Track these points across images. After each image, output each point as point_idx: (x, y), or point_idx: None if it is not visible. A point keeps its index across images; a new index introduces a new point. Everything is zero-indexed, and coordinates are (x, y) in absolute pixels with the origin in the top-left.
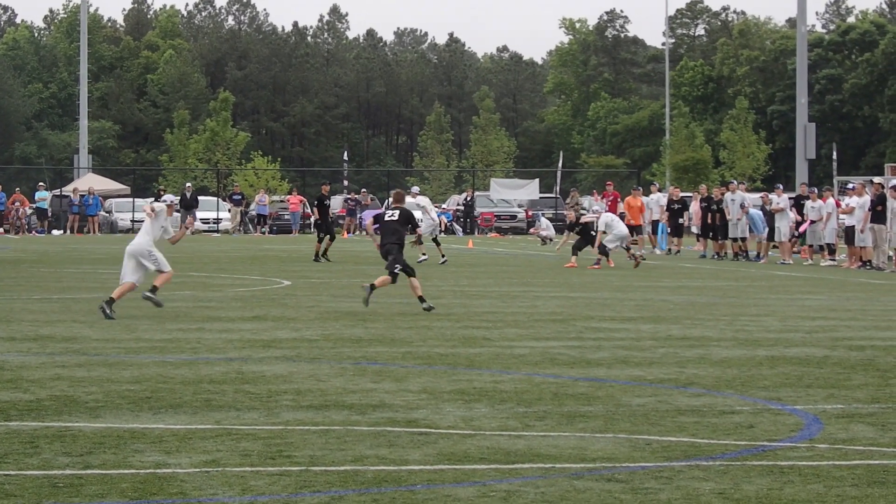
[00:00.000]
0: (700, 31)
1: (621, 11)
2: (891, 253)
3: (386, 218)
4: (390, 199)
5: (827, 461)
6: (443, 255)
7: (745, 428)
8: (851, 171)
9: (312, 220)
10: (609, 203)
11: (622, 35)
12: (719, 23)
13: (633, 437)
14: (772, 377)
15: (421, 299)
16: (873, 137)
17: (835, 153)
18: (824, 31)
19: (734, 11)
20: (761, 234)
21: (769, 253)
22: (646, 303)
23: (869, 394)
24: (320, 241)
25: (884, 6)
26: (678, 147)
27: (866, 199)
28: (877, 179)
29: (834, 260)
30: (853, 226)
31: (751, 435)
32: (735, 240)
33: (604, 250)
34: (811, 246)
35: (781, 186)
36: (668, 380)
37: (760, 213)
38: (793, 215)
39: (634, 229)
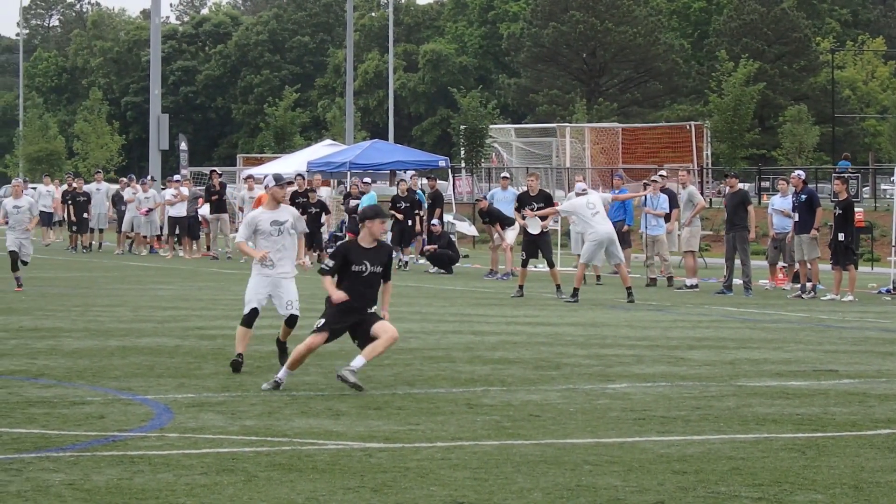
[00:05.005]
0: (55, 21)
1: None
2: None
3: None
4: None
5: (177, 450)
6: None
7: (95, 418)
8: (205, 161)
9: None
10: None
11: None
12: (74, 14)
13: None
14: (123, 367)
15: None
16: (226, 128)
17: (184, 144)
18: (178, 22)
19: (89, 2)
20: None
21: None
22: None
23: (219, 383)
24: None
25: None
26: (31, 138)
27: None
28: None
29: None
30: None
31: (101, 425)
32: (93, 231)
33: None
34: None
35: (134, 176)
36: (19, 371)
37: None
38: None
39: None
